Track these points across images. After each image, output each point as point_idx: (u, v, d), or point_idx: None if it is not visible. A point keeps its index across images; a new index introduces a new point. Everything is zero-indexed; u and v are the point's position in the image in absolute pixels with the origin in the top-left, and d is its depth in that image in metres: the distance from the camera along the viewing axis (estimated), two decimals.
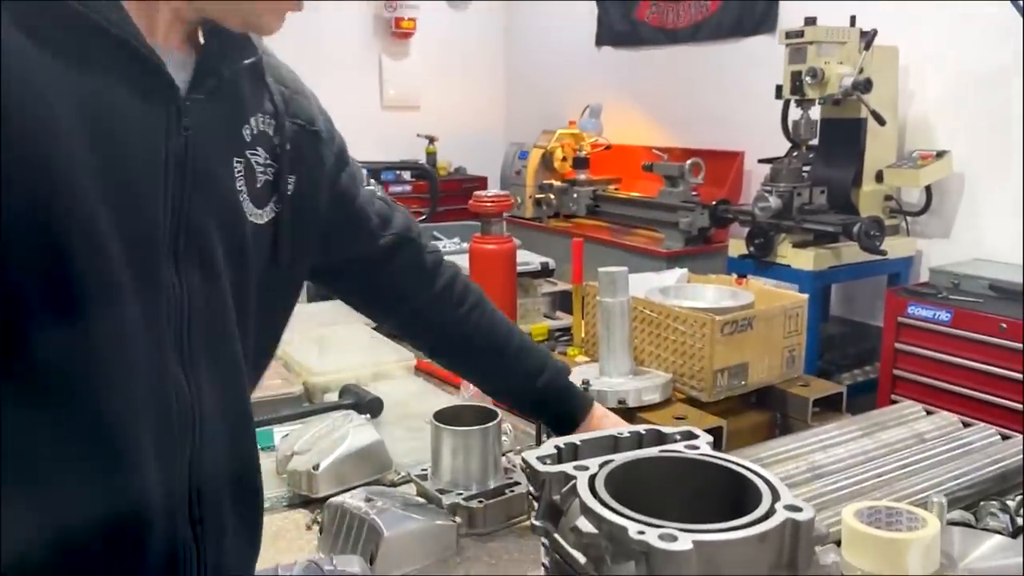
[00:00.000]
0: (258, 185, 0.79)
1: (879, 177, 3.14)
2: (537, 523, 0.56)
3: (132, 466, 0.66)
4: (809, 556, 0.50)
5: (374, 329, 1.99)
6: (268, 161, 0.80)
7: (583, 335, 1.81)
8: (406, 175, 4.68)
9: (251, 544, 0.84)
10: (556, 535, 0.55)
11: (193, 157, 0.69)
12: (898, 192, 3.25)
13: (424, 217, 4.00)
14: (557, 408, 1.19)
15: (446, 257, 2.21)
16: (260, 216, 0.79)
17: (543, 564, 0.57)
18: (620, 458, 0.57)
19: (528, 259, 2.00)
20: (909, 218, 3.26)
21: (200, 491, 0.73)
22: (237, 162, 0.76)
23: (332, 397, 1.60)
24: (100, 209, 0.62)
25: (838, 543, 1.02)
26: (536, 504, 0.57)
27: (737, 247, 3.22)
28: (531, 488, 0.59)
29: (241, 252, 0.76)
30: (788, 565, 0.50)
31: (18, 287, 0.59)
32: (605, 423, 1.18)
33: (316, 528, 1.15)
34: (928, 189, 3.15)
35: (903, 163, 3.11)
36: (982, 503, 1.16)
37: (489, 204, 1.77)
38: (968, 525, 1.11)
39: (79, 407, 0.63)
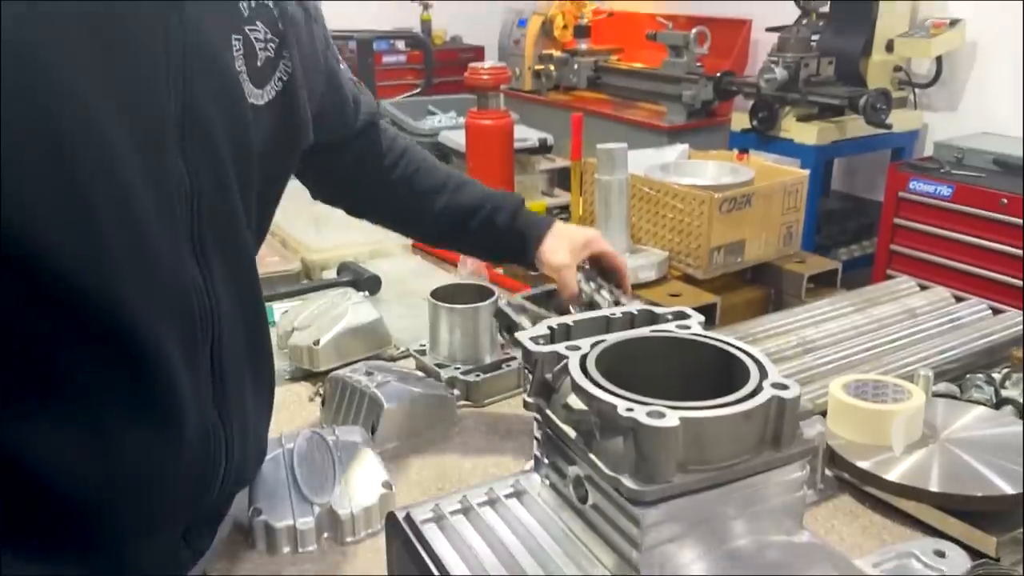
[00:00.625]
0: (259, 63, 0.74)
1: (890, 47, 3.04)
2: (530, 400, 0.57)
3: (159, 360, 0.66)
4: (793, 431, 0.51)
5: None
6: (268, 36, 0.75)
7: (580, 212, 1.80)
8: (400, 45, 4.52)
9: (266, 419, 0.88)
10: (548, 411, 0.56)
11: (194, 35, 0.65)
12: (908, 63, 3.16)
13: (419, 90, 3.90)
14: (514, 237, 1.10)
15: (443, 132, 2.17)
16: (260, 97, 0.74)
17: (535, 438, 0.59)
18: (611, 338, 0.58)
19: (526, 135, 1.96)
20: (917, 90, 3.18)
21: (223, 379, 0.74)
22: (236, 39, 0.71)
23: (330, 274, 1.61)
24: (102, 103, 0.59)
25: (825, 414, 1.05)
26: (530, 379, 0.58)
27: (740, 121, 3.16)
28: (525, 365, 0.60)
29: (243, 137, 0.72)
30: (772, 440, 0.51)
31: (24, 191, 0.56)
32: (565, 241, 1.09)
33: (318, 400, 1.18)
34: (939, 60, 3.06)
35: (915, 32, 3.01)
36: (968, 376, 1.19)
37: (486, 77, 1.72)
38: (953, 397, 1.15)
39: (100, 308, 0.62)
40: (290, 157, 0.85)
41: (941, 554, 0.51)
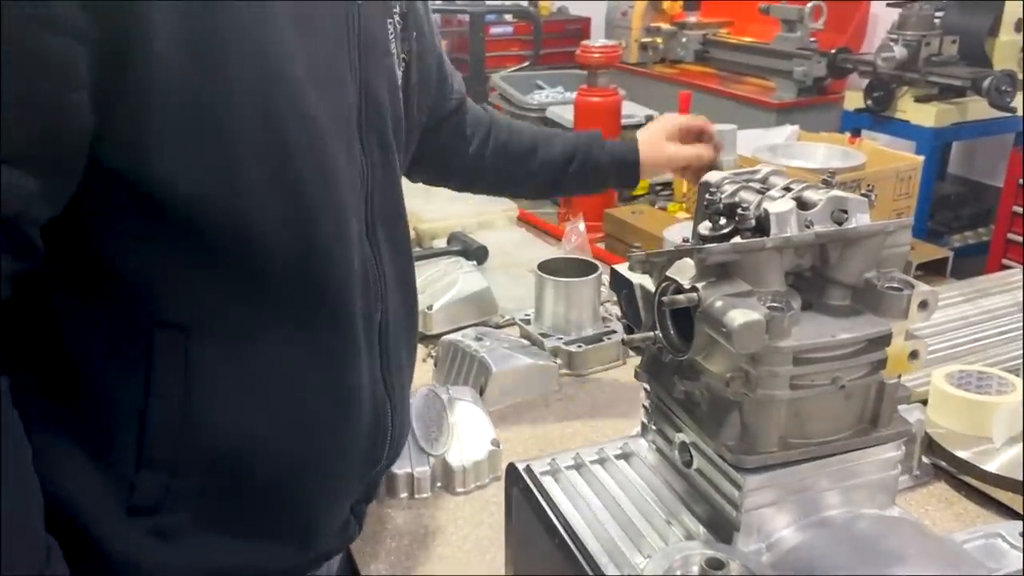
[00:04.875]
0: (402, 41, 0.78)
1: (1019, 27, 2.88)
2: (640, 371, 0.62)
3: (351, 338, 0.69)
4: (891, 413, 0.55)
5: None
6: (398, 12, 0.77)
7: (684, 191, 1.82)
8: (508, 17, 4.56)
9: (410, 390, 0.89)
10: (657, 383, 0.61)
11: (366, 22, 0.69)
12: None
13: (528, 63, 3.94)
14: (615, 161, 1.17)
15: (550, 108, 2.19)
16: (399, 73, 0.77)
17: (644, 406, 0.64)
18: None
19: (632, 111, 1.98)
20: None
21: (388, 353, 0.76)
22: (389, 23, 0.75)
23: (440, 243, 1.68)
24: (309, 91, 0.62)
25: (926, 403, 1.06)
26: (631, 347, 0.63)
27: (854, 100, 3.07)
28: (624, 337, 0.65)
29: (400, 121, 0.76)
30: (871, 420, 0.55)
31: (241, 166, 0.59)
32: (657, 133, 1.17)
33: (431, 361, 1.27)
34: None
35: None
36: None
37: (597, 55, 1.75)
38: None
39: (308, 288, 0.65)
40: (412, 137, 0.89)
41: None
